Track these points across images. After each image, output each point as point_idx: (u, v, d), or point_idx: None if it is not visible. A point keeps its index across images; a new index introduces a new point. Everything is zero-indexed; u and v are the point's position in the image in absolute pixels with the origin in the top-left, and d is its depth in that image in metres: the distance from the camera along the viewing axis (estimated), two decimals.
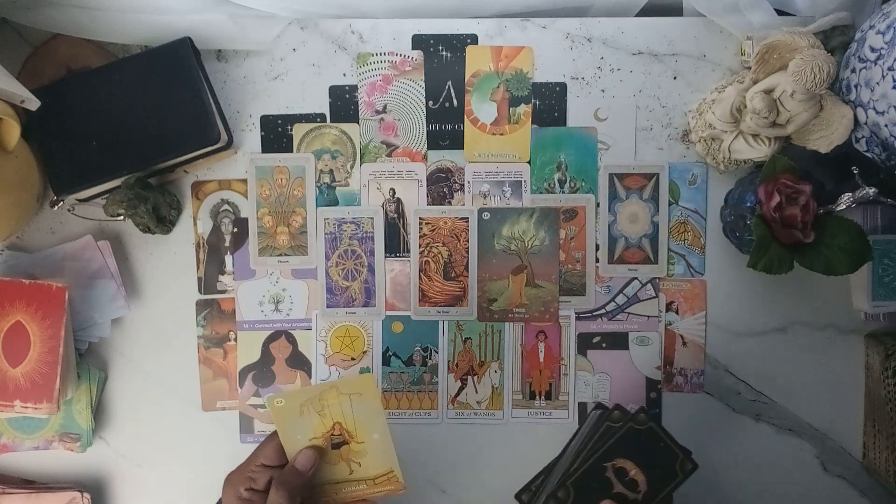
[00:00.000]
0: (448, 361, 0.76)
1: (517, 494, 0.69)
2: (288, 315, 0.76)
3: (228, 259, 0.76)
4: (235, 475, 0.61)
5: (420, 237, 0.75)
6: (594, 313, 0.76)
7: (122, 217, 0.71)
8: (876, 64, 0.62)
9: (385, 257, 0.76)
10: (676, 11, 0.77)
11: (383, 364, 0.76)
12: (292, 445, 0.60)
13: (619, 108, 0.75)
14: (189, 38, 0.70)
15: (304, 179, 0.75)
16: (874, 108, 0.63)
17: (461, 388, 0.76)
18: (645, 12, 0.76)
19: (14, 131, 0.64)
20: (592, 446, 0.63)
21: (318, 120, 0.75)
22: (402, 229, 0.76)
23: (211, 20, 0.71)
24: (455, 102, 0.75)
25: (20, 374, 0.69)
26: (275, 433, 0.61)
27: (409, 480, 0.77)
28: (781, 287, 0.75)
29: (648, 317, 0.76)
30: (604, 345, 0.76)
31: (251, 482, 0.60)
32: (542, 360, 0.76)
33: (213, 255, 0.76)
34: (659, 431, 0.63)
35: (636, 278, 0.76)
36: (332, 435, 0.61)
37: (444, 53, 0.75)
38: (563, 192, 0.76)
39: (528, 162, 0.75)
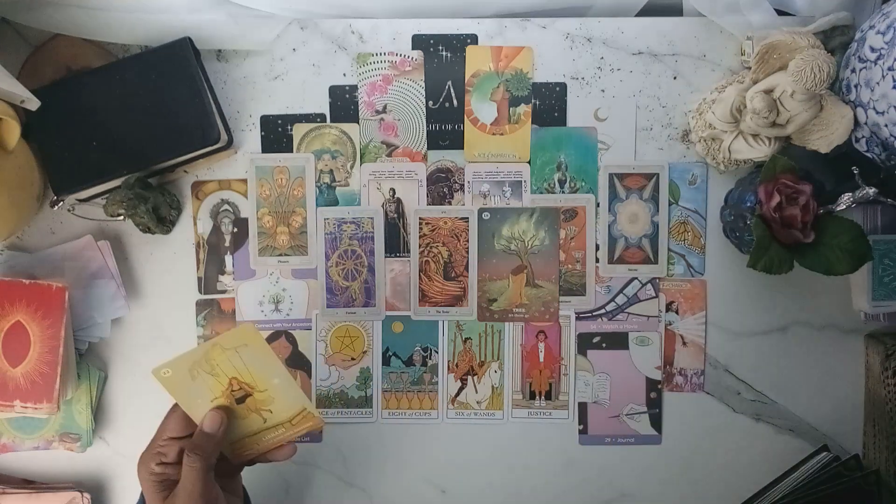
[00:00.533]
0: (448, 361, 0.76)
1: None
2: (288, 315, 0.76)
3: (228, 259, 0.76)
4: (145, 454, 0.59)
5: (420, 237, 0.75)
6: (594, 313, 0.76)
7: (122, 217, 0.71)
8: (876, 64, 0.62)
9: (385, 257, 0.76)
10: (676, 11, 0.77)
11: (383, 364, 0.76)
12: (196, 411, 0.60)
13: (619, 108, 0.75)
14: (189, 38, 0.70)
15: (304, 179, 0.75)
16: (874, 108, 0.63)
17: (461, 388, 0.76)
18: (645, 12, 0.76)
19: (14, 131, 0.64)
20: (815, 486, 0.66)
21: (318, 120, 0.75)
22: (402, 229, 0.76)
23: (211, 20, 0.71)
24: (455, 102, 0.75)
25: (20, 374, 0.69)
26: (175, 406, 0.60)
27: (409, 480, 0.77)
28: (781, 287, 0.75)
29: (648, 317, 0.76)
30: (604, 345, 0.76)
31: (161, 457, 0.59)
32: (542, 360, 0.76)
33: (213, 255, 0.76)
34: (878, 498, 0.65)
35: (636, 278, 0.76)
36: (232, 391, 0.60)
37: (444, 53, 0.75)
38: (563, 192, 0.76)
39: (528, 162, 0.75)
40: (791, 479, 0.71)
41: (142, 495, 0.60)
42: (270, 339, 0.76)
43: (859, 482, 0.65)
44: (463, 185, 0.76)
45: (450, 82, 0.75)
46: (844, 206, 0.65)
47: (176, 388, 0.59)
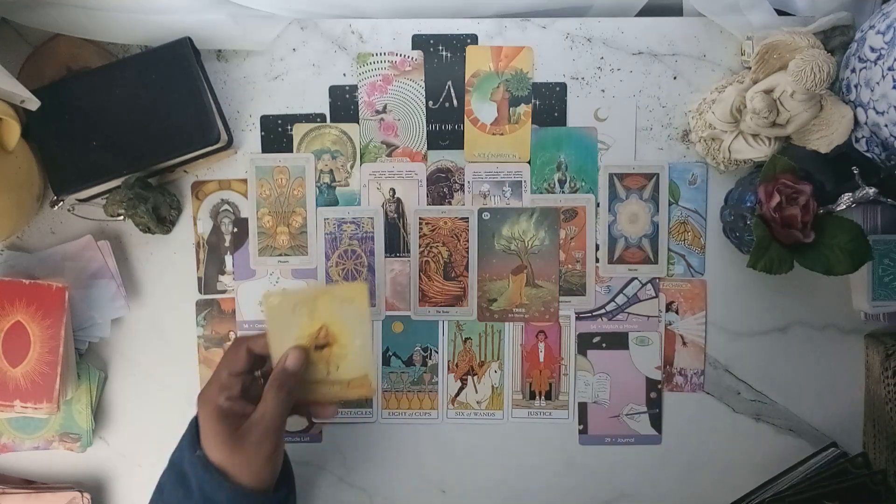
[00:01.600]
0: (448, 361, 0.76)
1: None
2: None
3: (228, 259, 0.76)
4: (208, 390, 0.60)
5: (420, 237, 0.75)
6: (594, 313, 0.76)
7: (122, 217, 0.71)
8: (876, 64, 0.62)
9: (385, 257, 0.76)
10: (676, 11, 0.77)
11: (383, 364, 0.76)
12: (278, 344, 0.61)
13: (619, 108, 0.75)
14: (189, 38, 0.70)
15: (304, 179, 0.75)
16: (874, 108, 0.63)
17: (461, 388, 0.76)
18: (645, 12, 0.76)
19: (14, 131, 0.64)
20: (822, 480, 0.66)
21: (318, 120, 0.75)
22: (402, 229, 0.76)
23: (211, 20, 0.71)
24: (455, 102, 0.75)
25: (20, 374, 0.69)
26: (237, 343, 0.62)
27: (409, 480, 0.77)
28: (781, 287, 0.75)
29: (648, 317, 0.76)
30: (604, 345, 0.76)
31: (228, 391, 0.59)
32: (542, 360, 0.76)
33: (213, 255, 0.76)
34: (884, 499, 0.65)
35: (636, 278, 0.76)
36: (318, 338, 0.62)
37: (444, 53, 0.75)
38: (563, 192, 0.76)
39: (528, 162, 0.75)
40: (797, 473, 0.71)
41: (190, 435, 0.60)
42: None
43: (866, 481, 0.65)
44: (463, 185, 0.76)
45: (450, 82, 0.75)
46: (844, 206, 0.65)
47: (275, 316, 0.61)
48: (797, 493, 0.65)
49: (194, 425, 0.61)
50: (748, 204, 0.69)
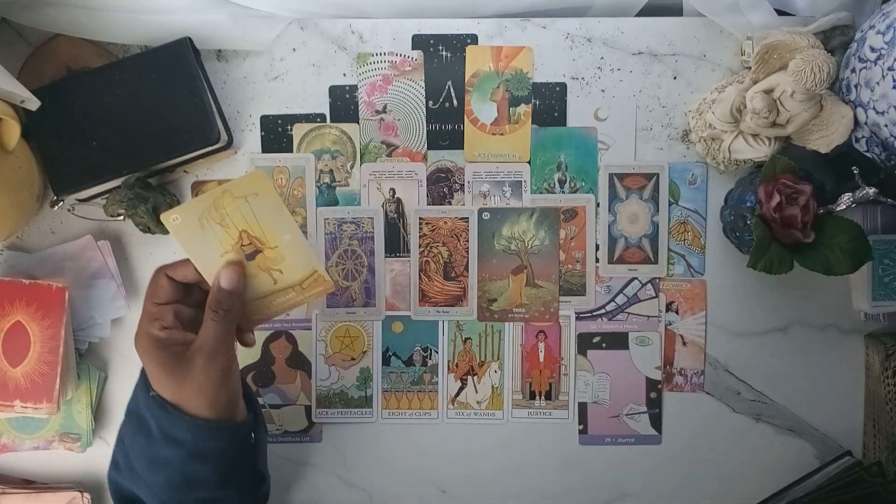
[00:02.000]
0: (448, 361, 0.76)
1: None
2: (288, 315, 0.76)
3: None
4: (140, 326, 0.56)
5: (420, 237, 0.75)
6: (594, 313, 0.76)
7: (122, 217, 0.71)
8: (876, 64, 0.62)
9: (385, 257, 0.76)
10: (676, 11, 0.77)
11: (383, 364, 0.76)
12: (205, 265, 0.57)
13: (619, 108, 0.75)
14: (189, 38, 0.70)
15: (304, 179, 0.75)
16: (874, 108, 0.63)
17: (461, 388, 0.76)
18: (645, 12, 0.76)
19: (14, 131, 0.64)
20: (837, 489, 0.66)
21: (318, 120, 0.75)
22: (402, 229, 0.76)
23: (211, 20, 0.71)
24: (455, 102, 0.75)
25: (20, 374, 0.69)
26: (156, 273, 0.58)
27: (409, 480, 0.77)
28: (781, 287, 0.75)
29: (648, 317, 0.76)
30: (604, 345, 0.76)
31: (160, 321, 0.56)
32: (542, 360, 0.76)
33: None
34: None
35: (636, 278, 0.76)
36: (242, 245, 0.58)
37: (444, 53, 0.75)
38: (563, 192, 0.76)
39: (528, 162, 0.75)
40: (813, 481, 0.72)
41: (142, 380, 0.57)
42: (271, 339, 0.76)
43: (880, 490, 0.65)
44: (463, 185, 0.76)
45: (450, 82, 0.75)
46: (844, 206, 0.65)
47: (185, 236, 0.57)
48: (812, 501, 0.65)
49: (143, 370, 0.58)
50: (748, 204, 0.69)
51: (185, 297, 0.59)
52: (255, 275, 0.59)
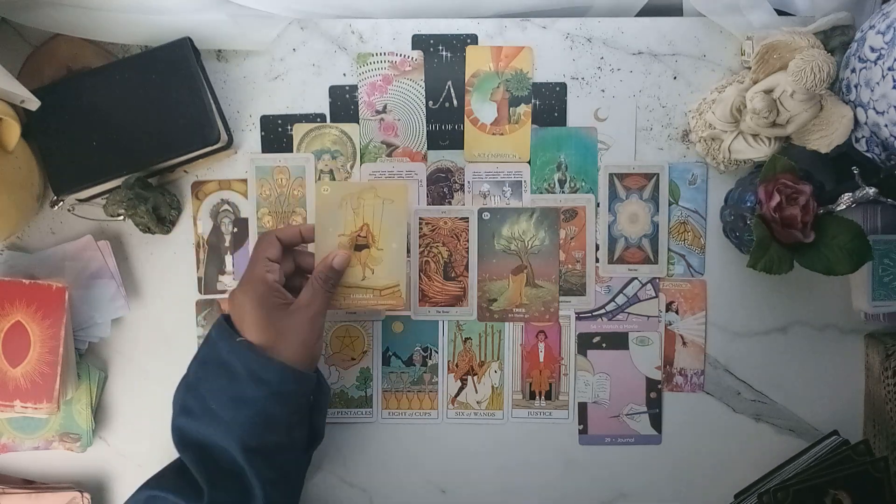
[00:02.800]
0: (448, 361, 0.76)
1: (736, 494, 0.73)
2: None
3: (228, 259, 0.76)
4: (248, 276, 0.63)
5: (420, 237, 0.75)
6: (594, 313, 0.76)
7: (122, 217, 0.71)
8: (876, 64, 0.62)
9: None
10: (676, 11, 0.77)
11: (383, 364, 0.76)
12: (323, 235, 0.67)
13: (619, 108, 0.75)
14: (189, 38, 0.70)
15: (304, 179, 0.75)
16: (874, 108, 0.63)
17: (461, 388, 0.76)
18: (645, 12, 0.76)
19: (14, 131, 0.64)
20: (826, 468, 0.66)
21: (318, 120, 0.75)
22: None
23: (211, 20, 0.71)
24: (455, 102, 0.75)
25: (20, 374, 0.69)
26: (267, 233, 0.65)
27: (409, 480, 0.77)
28: (781, 287, 0.75)
29: (648, 317, 0.76)
30: (604, 345, 0.76)
31: (271, 272, 0.63)
32: (542, 360, 0.76)
33: (213, 255, 0.76)
34: (888, 487, 0.65)
35: (636, 278, 0.76)
36: (359, 235, 0.67)
37: (444, 53, 0.75)
38: (563, 192, 0.76)
39: (528, 162, 0.75)
40: (801, 461, 0.72)
41: (221, 330, 0.62)
42: None
43: (868, 468, 0.65)
44: (463, 185, 0.76)
45: (450, 82, 0.75)
46: (844, 206, 0.65)
47: (324, 207, 0.66)
48: (801, 481, 0.66)
49: (222, 323, 0.63)
50: (748, 204, 0.69)
51: (282, 261, 0.66)
52: (352, 264, 0.67)
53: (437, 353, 0.76)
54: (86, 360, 0.75)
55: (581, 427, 0.76)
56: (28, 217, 0.72)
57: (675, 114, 0.75)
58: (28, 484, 0.75)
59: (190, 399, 0.62)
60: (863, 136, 0.67)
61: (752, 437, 0.76)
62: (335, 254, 0.66)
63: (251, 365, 0.60)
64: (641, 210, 0.75)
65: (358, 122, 0.75)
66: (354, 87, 0.75)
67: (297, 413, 0.64)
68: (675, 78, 0.75)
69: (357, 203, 0.66)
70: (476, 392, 0.76)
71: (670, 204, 0.75)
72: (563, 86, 0.75)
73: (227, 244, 0.76)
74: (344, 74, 0.75)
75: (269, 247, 0.64)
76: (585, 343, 0.76)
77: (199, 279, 0.76)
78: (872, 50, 0.63)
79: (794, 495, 0.65)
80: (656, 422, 0.76)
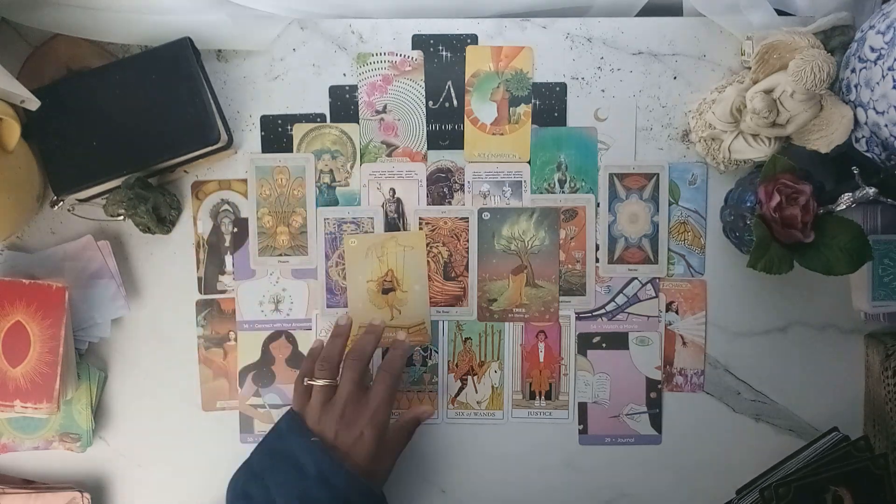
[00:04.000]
0: (448, 361, 0.76)
1: (738, 490, 0.74)
2: (288, 315, 0.76)
3: (228, 259, 0.76)
4: (383, 413, 0.66)
5: None
6: (594, 313, 0.76)
7: (122, 217, 0.71)
8: (876, 64, 0.62)
9: None
10: (676, 11, 0.77)
11: None
12: (353, 284, 0.74)
13: (619, 108, 0.75)
14: (189, 38, 0.70)
15: (304, 179, 0.75)
16: (874, 108, 0.63)
17: (461, 388, 0.76)
18: (645, 12, 0.76)
19: (14, 131, 0.64)
20: (826, 464, 0.67)
21: (318, 120, 0.75)
22: (402, 229, 0.76)
23: (211, 20, 0.71)
24: (455, 102, 0.75)
25: (20, 374, 0.69)
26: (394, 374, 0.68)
27: (409, 480, 0.77)
28: (781, 287, 0.75)
29: (648, 317, 0.76)
30: (604, 345, 0.76)
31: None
32: (542, 360, 0.76)
33: (213, 255, 0.76)
34: (888, 483, 0.66)
35: (636, 278, 0.76)
36: (385, 280, 0.74)
37: (444, 53, 0.75)
38: (563, 192, 0.76)
39: (528, 162, 0.75)
40: (802, 457, 0.72)
41: (293, 423, 0.65)
42: (271, 340, 0.76)
43: (869, 465, 0.66)
44: (463, 185, 0.76)
45: (450, 82, 0.75)
46: (844, 206, 0.65)
47: (352, 257, 0.74)
48: (802, 477, 0.66)
49: (296, 418, 0.65)
50: (748, 204, 0.69)
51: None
52: (381, 307, 0.74)
53: (436, 353, 0.76)
54: (86, 360, 0.75)
55: (581, 427, 0.76)
56: (28, 217, 0.72)
57: (675, 114, 0.75)
58: (28, 484, 0.75)
59: (252, 487, 0.63)
60: (863, 136, 0.67)
61: (752, 437, 0.76)
62: (424, 410, 0.70)
63: (322, 467, 0.61)
64: (641, 210, 0.75)
65: (358, 122, 0.75)
66: (354, 87, 0.75)
67: None
68: (675, 78, 0.75)
69: (381, 252, 0.74)
70: (476, 392, 0.76)
71: (670, 204, 0.75)
72: (563, 86, 0.75)
73: (227, 244, 0.76)
74: (344, 74, 0.75)
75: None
76: (585, 343, 0.76)
77: (199, 279, 0.76)
78: (872, 50, 0.63)
79: (795, 491, 0.65)
80: (656, 422, 0.76)
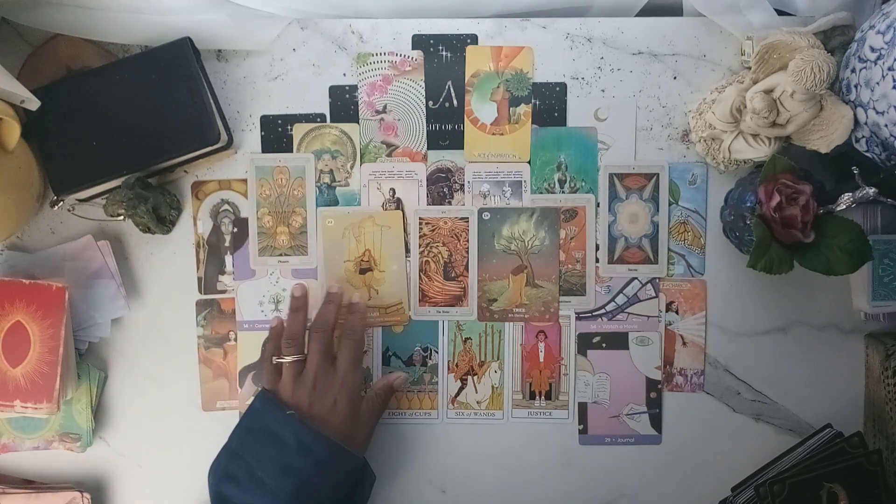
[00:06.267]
0: (448, 361, 0.76)
1: (733, 488, 0.74)
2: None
3: (228, 259, 0.76)
4: (352, 380, 0.69)
5: (420, 237, 0.75)
6: (594, 313, 0.76)
7: (122, 217, 0.71)
8: (876, 64, 0.62)
9: None
10: (676, 11, 0.77)
11: (383, 364, 0.76)
12: (331, 264, 0.74)
13: (619, 108, 0.75)
14: (189, 38, 0.70)
15: (304, 179, 0.75)
16: (874, 108, 0.63)
17: (461, 388, 0.76)
18: (645, 12, 0.76)
19: (14, 131, 0.64)
20: (820, 461, 0.67)
21: (318, 120, 0.75)
22: (402, 229, 0.76)
23: (211, 20, 0.71)
24: (455, 102, 0.75)
25: (20, 374, 0.69)
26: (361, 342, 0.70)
27: (409, 480, 0.77)
28: (781, 287, 0.75)
29: (648, 317, 0.76)
30: (604, 345, 0.76)
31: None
32: (542, 360, 0.76)
33: (213, 255, 0.76)
34: (881, 480, 0.66)
35: (636, 278, 0.76)
36: (362, 260, 0.74)
37: (444, 53, 0.75)
38: (563, 192, 0.76)
39: (528, 162, 0.75)
40: (796, 454, 0.72)
41: (266, 401, 0.66)
42: None
43: (863, 461, 0.66)
44: (463, 185, 0.76)
45: (450, 82, 0.75)
46: (844, 206, 0.65)
47: (329, 238, 0.74)
48: (797, 474, 0.66)
49: (268, 395, 0.67)
50: (748, 204, 0.69)
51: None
52: (358, 287, 0.74)
53: (437, 353, 0.76)
54: (86, 360, 0.75)
55: (581, 427, 0.76)
56: (28, 217, 0.72)
57: (675, 114, 0.75)
58: (28, 484, 0.75)
59: (234, 466, 0.64)
60: (863, 136, 0.67)
61: (751, 436, 0.76)
62: (397, 376, 0.73)
63: (301, 436, 0.63)
64: (641, 210, 0.75)
65: (358, 122, 0.75)
66: (354, 87, 0.75)
67: (338, 491, 0.66)
68: (675, 78, 0.75)
69: (358, 231, 0.73)
70: (476, 392, 0.76)
71: (670, 204, 0.75)
72: (563, 86, 0.75)
73: (227, 244, 0.76)
74: (344, 74, 0.75)
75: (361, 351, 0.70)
76: (585, 343, 0.76)
77: (199, 279, 0.76)
78: (872, 50, 0.63)
79: (789, 488, 0.65)
80: (656, 422, 0.76)
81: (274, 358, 0.68)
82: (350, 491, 0.68)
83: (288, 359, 0.67)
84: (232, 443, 0.66)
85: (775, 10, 0.71)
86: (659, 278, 0.76)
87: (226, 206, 0.76)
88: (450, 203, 0.76)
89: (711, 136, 0.73)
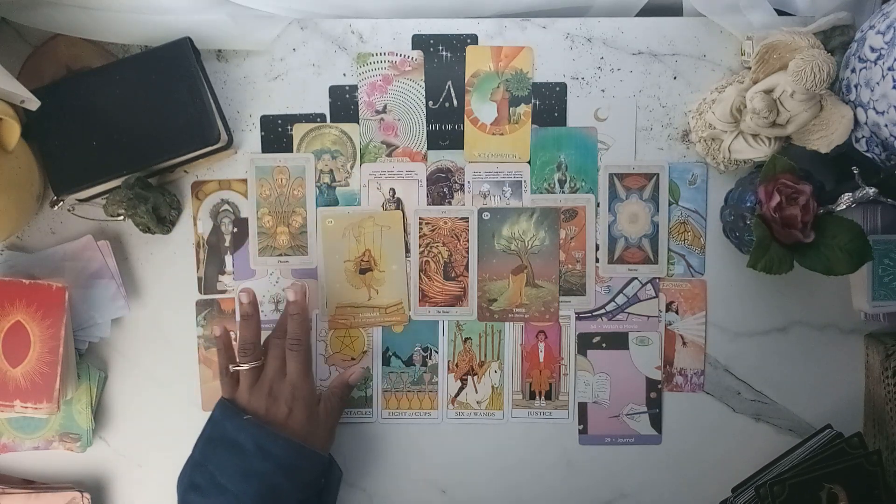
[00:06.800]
0: (448, 361, 0.76)
1: (733, 489, 0.74)
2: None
3: (228, 259, 0.76)
4: (311, 384, 0.70)
5: (420, 237, 0.75)
6: (594, 313, 0.76)
7: (122, 217, 0.71)
8: (876, 64, 0.62)
9: None
10: (676, 11, 0.77)
11: (383, 364, 0.76)
12: (330, 264, 0.74)
13: (619, 108, 0.75)
14: (189, 38, 0.70)
15: (304, 179, 0.75)
16: (874, 108, 0.63)
17: (461, 388, 0.76)
18: (645, 12, 0.76)
19: (14, 131, 0.64)
20: (820, 461, 0.67)
21: (318, 120, 0.75)
22: (402, 229, 0.76)
23: (211, 20, 0.71)
24: (455, 102, 0.75)
25: (20, 374, 0.69)
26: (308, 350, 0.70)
27: (409, 480, 0.77)
28: (781, 287, 0.75)
29: (648, 317, 0.76)
30: (604, 345, 0.76)
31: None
32: (542, 360, 0.76)
33: (213, 255, 0.76)
34: (881, 480, 0.66)
35: (636, 278, 0.76)
36: (362, 260, 0.74)
37: (444, 53, 0.75)
38: (563, 192, 0.76)
39: (528, 162, 0.75)
40: (796, 455, 0.72)
41: (225, 410, 0.66)
42: None
43: (862, 461, 0.66)
44: (463, 185, 0.76)
45: (450, 82, 0.75)
46: (844, 206, 0.65)
47: (329, 237, 0.74)
48: (797, 475, 0.66)
49: (226, 403, 0.67)
50: (748, 204, 0.69)
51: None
52: (358, 287, 0.74)
53: (437, 353, 0.76)
54: (86, 360, 0.75)
55: (581, 427, 0.76)
56: (28, 217, 0.72)
57: (675, 114, 0.75)
58: (28, 484, 0.75)
59: (198, 476, 0.64)
60: (863, 136, 0.67)
61: (752, 437, 0.76)
62: (352, 371, 0.73)
63: (259, 440, 0.64)
64: (641, 210, 0.75)
65: (358, 122, 0.75)
66: (354, 87, 0.75)
67: (305, 491, 0.66)
68: (675, 78, 0.75)
69: (358, 231, 0.73)
70: (476, 392, 0.76)
71: (670, 204, 0.75)
72: (563, 86, 0.75)
73: (227, 244, 0.76)
74: (344, 74, 0.75)
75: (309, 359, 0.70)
76: (585, 343, 0.76)
77: (199, 279, 0.76)
78: (872, 50, 0.63)
79: (789, 489, 0.65)
80: (656, 422, 0.76)
81: (231, 366, 0.68)
82: (319, 490, 0.68)
83: (245, 366, 0.68)
84: (195, 454, 0.66)
85: (775, 10, 0.71)
86: (659, 278, 0.76)
87: (226, 206, 0.76)
88: (450, 203, 0.76)
89: (711, 136, 0.73)
